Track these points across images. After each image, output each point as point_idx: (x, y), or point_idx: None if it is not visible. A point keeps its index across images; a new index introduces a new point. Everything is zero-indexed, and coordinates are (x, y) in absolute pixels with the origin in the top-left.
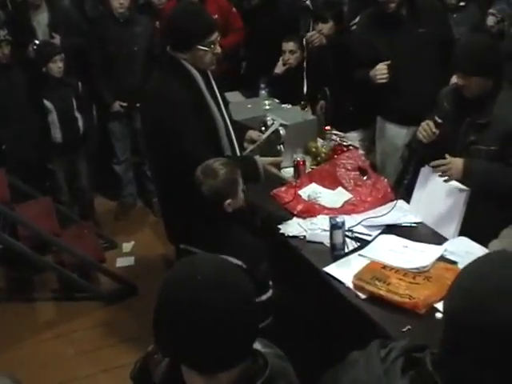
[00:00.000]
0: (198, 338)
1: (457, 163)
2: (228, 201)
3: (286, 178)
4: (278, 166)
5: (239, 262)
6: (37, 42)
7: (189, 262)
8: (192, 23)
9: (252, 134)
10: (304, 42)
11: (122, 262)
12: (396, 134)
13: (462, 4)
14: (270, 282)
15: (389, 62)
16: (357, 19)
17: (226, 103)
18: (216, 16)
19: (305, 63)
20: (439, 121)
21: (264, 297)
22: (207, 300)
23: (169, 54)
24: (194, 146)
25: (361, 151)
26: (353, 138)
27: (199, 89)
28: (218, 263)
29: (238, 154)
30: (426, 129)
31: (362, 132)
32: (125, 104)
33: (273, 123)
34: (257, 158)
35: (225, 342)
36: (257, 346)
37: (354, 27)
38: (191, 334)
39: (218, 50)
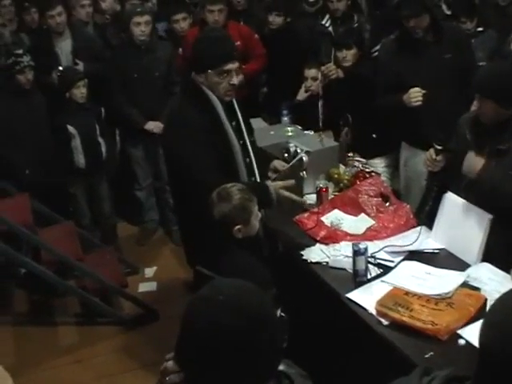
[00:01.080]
0: (220, 359)
1: (477, 161)
2: (238, 227)
3: (300, 200)
4: (292, 189)
5: None
6: (60, 68)
7: (212, 285)
8: (209, 48)
9: (276, 163)
10: (319, 75)
11: (144, 288)
12: (420, 160)
13: (480, 29)
14: (279, 310)
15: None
16: (378, 46)
17: (251, 130)
18: (238, 42)
19: (321, 91)
20: (439, 147)
21: None
22: (228, 321)
23: (190, 78)
24: (204, 172)
25: (383, 178)
26: (376, 164)
27: (217, 115)
28: (241, 286)
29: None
30: (428, 157)
31: (385, 158)
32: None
33: (295, 150)
34: (268, 182)
35: (248, 363)
36: (281, 366)
37: (377, 53)
38: (213, 355)
39: (234, 80)
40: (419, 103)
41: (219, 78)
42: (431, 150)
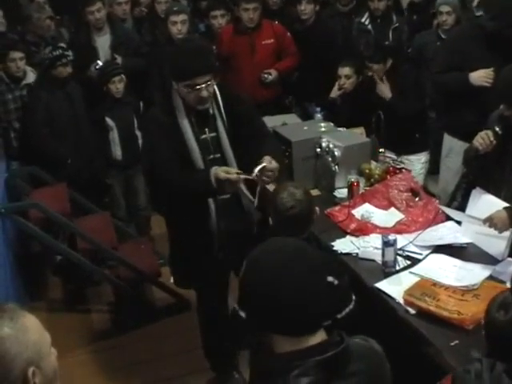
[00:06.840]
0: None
1: (500, 215)
2: None
3: (235, 178)
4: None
5: None
6: (99, 62)
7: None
8: (179, 60)
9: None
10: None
11: None
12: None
13: None
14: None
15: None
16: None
17: (243, 142)
18: (272, 40)
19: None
20: (499, 131)
21: None
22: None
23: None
24: (157, 165)
25: (421, 172)
26: (414, 160)
27: (178, 126)
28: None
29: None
30: (484, 137)
31: (424, 155)
32: None
33: (328, 145)
34: (212, 169)
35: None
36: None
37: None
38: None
39: (204, 93)
40: (488, 84)
41: (187, 89)
42: (489, 132)
